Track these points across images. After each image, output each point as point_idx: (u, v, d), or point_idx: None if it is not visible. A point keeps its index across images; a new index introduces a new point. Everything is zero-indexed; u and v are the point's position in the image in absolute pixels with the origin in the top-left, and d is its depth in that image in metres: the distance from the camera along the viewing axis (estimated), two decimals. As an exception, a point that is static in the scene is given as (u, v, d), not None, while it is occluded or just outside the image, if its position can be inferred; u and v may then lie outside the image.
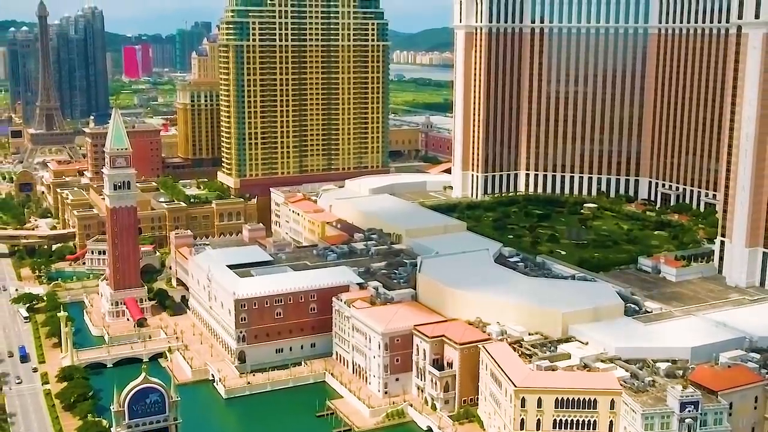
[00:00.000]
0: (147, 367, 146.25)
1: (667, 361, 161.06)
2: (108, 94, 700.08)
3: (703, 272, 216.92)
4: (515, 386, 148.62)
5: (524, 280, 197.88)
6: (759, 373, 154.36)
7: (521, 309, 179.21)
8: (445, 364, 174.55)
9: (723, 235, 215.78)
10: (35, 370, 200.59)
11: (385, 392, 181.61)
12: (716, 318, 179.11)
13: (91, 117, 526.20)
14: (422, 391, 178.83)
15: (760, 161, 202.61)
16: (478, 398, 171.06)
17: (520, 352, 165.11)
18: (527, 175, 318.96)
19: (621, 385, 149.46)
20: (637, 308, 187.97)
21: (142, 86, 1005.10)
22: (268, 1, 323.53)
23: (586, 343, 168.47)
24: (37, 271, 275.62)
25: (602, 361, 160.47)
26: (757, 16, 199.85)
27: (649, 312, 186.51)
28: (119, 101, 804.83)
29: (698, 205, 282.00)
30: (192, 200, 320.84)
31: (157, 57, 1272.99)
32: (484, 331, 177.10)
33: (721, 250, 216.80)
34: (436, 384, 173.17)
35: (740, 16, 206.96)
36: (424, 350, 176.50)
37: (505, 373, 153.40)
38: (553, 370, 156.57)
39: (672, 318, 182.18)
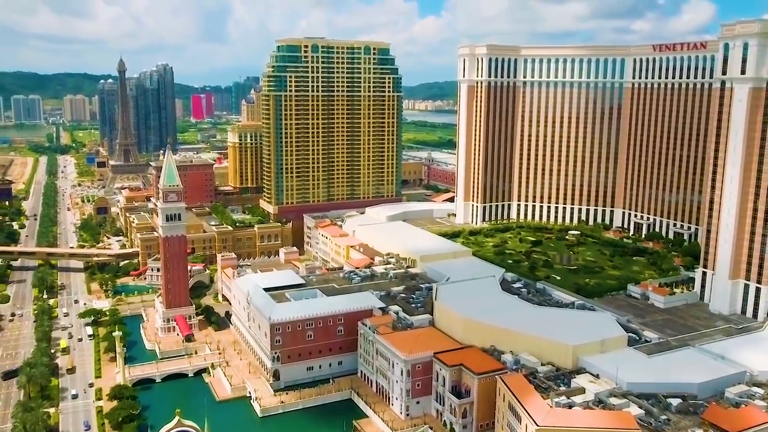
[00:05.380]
0: (181, 411, 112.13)
1: (676, 396, 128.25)
2: (176, 133, 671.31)
3: (687, 299, 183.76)
4: (537, 425, 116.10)
5: (532, 310, 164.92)
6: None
7: (533, 340, 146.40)
8: (463, 391, 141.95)
9: (705, 267, 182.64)
10: (91, 385, 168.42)
11: (407, 414, 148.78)
12: (713, 350, 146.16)
13: (161, 151, 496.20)
14: (441, 414, 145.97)
15: (743, 203, 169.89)
16: (494, 422, 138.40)
17: (535, 385, 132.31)
18: (518, 205, 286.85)
19: (638, 423, 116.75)
20: (637, 338, 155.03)
21: (205, 125, 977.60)
22: (303, 59, 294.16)
23: (597, 376, 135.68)
24: (104, 286, 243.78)
25: (615, 396, 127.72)
26: (743, 72, 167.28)
27: (648, 341, 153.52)
28: (186, 136, 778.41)
29: (668, 233, 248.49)
30: (237, 224, 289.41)
31: (218, 103, 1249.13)
32: (499, 360, 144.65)
33: (703, 280, 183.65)
34: (454, 410, 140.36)
35: (724, 72, 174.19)
36: (444, 377, 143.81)
37: (526, 410, 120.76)
38: (570, 407, 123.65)
39: (670, 349, 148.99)
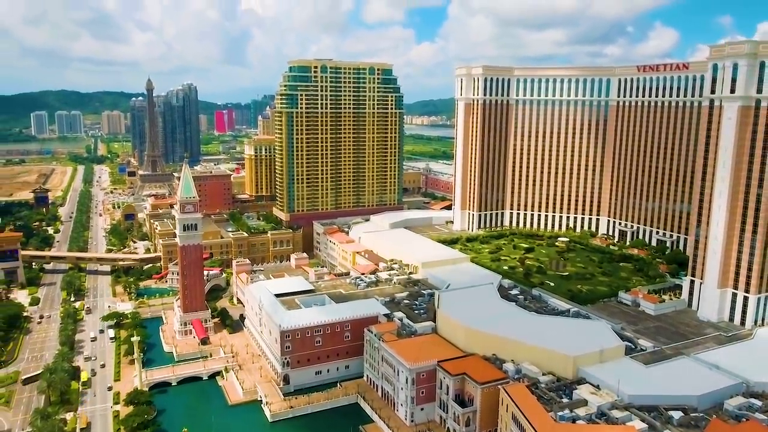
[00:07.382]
0: (188, 430, 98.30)
1: (677, 408, 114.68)
2: (200, 145, 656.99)
3: (676, 306, 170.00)
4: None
5: (531, 318, 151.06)
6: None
7: (534, 350, 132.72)
8: (466, 399, 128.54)
9: (693, 275, 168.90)
10: (110, 388, 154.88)
11: (412, 421, 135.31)
12: (707, 359, 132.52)
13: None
14: (444, 422, 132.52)
15: (732, 216, 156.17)
16: (497, 431, 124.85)
17: (537, 396, 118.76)
18: (511, 213, 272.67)
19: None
20: (633, 346, 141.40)
21: (227, 138, 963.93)
22: (312, 79, 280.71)
23: (597, 387, 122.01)
24: (128, 289, 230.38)
25: (617, 409, 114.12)
26: (732, 91, 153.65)
27: (643, 350, 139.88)
28: (209, 148, 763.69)
29: (650, 241, 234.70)
30: (252, 230, 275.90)
31: (238, 118, 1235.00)
32: (501, 369, 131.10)
33: (691, 288, 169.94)
34: (458, 418, 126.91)
35: (713, 91, 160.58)
36: (448, 386, 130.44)
37: (530, 423, 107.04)
38: (573, 420, 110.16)
39: (666, 358, 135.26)
